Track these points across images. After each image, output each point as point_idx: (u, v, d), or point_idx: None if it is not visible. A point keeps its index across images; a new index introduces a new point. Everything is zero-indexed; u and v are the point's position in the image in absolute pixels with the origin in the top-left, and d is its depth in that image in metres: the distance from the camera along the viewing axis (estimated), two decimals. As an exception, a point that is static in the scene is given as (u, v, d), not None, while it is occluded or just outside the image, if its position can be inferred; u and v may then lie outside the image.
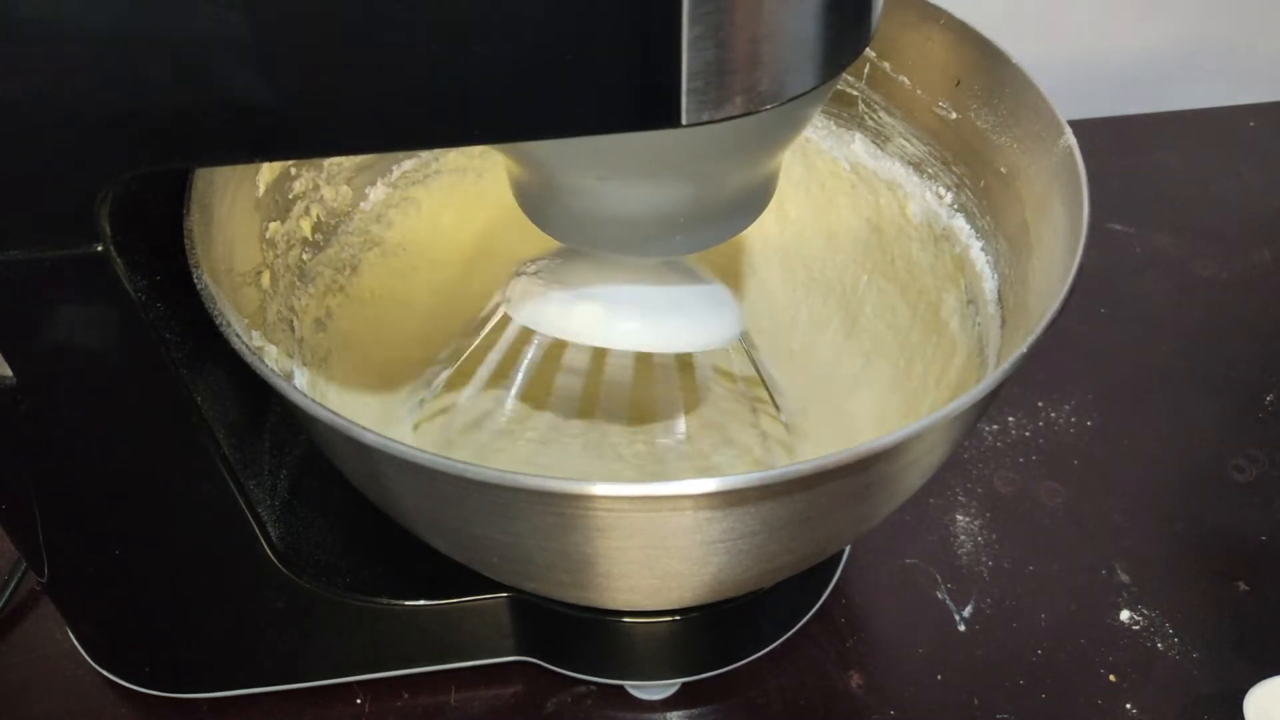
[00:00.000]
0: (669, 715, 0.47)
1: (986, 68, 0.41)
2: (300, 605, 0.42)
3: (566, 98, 0.26)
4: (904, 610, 0.50)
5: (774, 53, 0.26)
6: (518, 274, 0.41)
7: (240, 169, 0.40)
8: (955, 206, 0.45)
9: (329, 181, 0.47)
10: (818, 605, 0.49)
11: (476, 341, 0.44)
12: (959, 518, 0.53)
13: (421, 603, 0.43)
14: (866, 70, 0.46)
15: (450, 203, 0.53)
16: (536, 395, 0.48)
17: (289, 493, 0.44)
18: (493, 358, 0.44)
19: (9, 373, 0.32)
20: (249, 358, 0.31)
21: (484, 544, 0.35)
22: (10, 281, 0.29)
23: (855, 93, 0.47)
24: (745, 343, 0.44)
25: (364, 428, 0.29)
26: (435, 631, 0.44)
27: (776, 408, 0.46)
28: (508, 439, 0.48)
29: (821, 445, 0.47)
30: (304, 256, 0.46)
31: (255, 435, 0.43)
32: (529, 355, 0.45)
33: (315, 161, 0.46)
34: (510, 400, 0.47)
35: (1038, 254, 0.39)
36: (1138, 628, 0.49)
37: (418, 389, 0.48)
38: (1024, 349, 0.32)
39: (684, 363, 0.48)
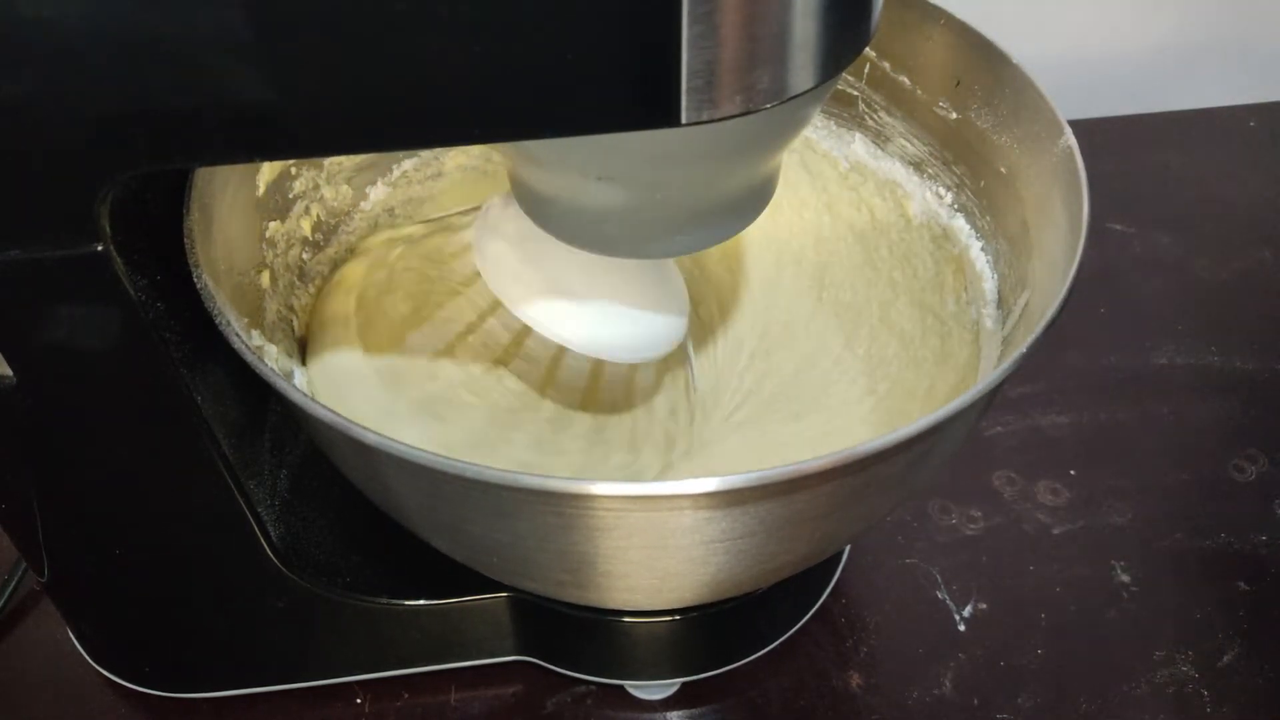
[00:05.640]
0: (669, 715, 0.47)
1: (986, 68, 0.41)
2: (300, 605, 0.42)
3: (566, 97, 0.26)
4: (904, 610, 0.50)
5: (774, 52, 0.25)
6: (491, 217, 0.40)
7: (240, 169, 0.40)
8: (955, 206, 0.45)
9: (329, 181, 0.47)
10: (818, 605, 0.49)
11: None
12: (959, 518, 0.53)
13: (421, 603, 0.43)
14: (866, 70, 0.46)
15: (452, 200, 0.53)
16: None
17: (289, 493, 0.44)
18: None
19: (9, 372, 0.32)
20: (249, 358, 0.31)
21: (484, 544, 0.35)
22: (10, 281, 0.29)
23: (855, 92, 0.47)
24: (679, 356, 0.43)
25: (364, 428, 0.29)
26: (435, 631, 0.44)
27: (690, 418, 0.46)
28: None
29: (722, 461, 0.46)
30: (304, 256, 0.46)
31: (255, 435, 0.43)
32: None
33: (315, 161, 0.46)
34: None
35: (1038, 254, 0.39)
36: (1137, 628, 0.49)
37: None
38: (1024, 349, 0.32)
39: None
